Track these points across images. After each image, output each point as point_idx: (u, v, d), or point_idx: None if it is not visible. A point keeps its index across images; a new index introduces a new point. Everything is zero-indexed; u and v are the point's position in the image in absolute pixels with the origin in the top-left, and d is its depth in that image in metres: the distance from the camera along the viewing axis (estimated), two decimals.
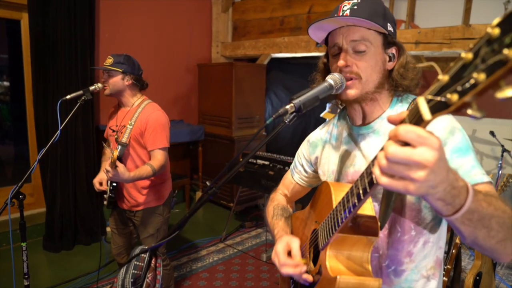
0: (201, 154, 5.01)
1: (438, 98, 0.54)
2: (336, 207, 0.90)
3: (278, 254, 1.05)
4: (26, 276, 1.84)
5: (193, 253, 3.70)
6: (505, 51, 0.45)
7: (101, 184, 2.35)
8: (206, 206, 5.06)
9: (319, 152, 1.25)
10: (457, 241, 2.93)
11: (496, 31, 0.46)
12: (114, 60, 2.31)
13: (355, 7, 1.00)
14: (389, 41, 1.04)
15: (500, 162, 4.06)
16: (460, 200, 0.67)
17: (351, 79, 1.03)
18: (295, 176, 1.36)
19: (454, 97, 0.52)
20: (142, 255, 1.16)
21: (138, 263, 1.15)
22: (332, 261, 0.91)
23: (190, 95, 5.27)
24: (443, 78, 0.54)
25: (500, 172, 4.00)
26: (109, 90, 2.33)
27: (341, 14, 1.01)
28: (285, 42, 4.65)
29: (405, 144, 0.58)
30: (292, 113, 1.03)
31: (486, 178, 0.91)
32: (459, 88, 0.51)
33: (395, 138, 0.59)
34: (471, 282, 2.68)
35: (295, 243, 1.06)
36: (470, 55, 0.50)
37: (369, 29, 1.00)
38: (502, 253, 0.79)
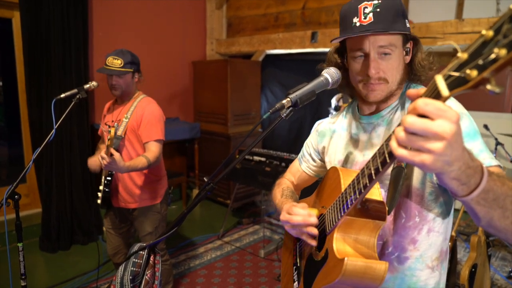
0: (197, 152, 5.01)
1: (457, 74, 0.55)
2: (345, 189, 0.90)
3: (288, 208, 1.06)
4: (23, 277, 1.83)
5: (191, 250, 3.71)
6: None
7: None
8: (203, 203, 5.06)
9: (326, 142, 1.26)
10: (453, 233, 2.95)
11: None
12: (123, 60, 2.29)
13: (378, 9, 0.97)
14: (407, 37, 1.06)
15: (494, 155, 4.08)
16: (475, 179, 0.66)
17: (378, 84, 1.03)
18: (303, 165, 1.37)
19: (474, 72, 0.52)
20: (141, 252, 1.16)
21: (136, 260, 1.15)
22: (339, 243, 0.92)
23: (186, 92, 5.25)
24: (462, 55, 0.55)
25: None
26: (121, 91, 2.33)
27: (363, 18, 0.98)
28: (279, 38, 4.64)
29: (424, 117, 0.58)
30: (288, 107, 1.03)
31: (495, 162, 0.92)
32: (479, 63, 0.52)
33: (414, 112, 0.58)
34: (467, 273, 2.70)
35: (302, 204, 1.07)
36: (491, 33, 0.51)
37: (394, 34, 1.00)
38: None
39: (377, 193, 0.93)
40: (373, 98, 1.04)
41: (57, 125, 2.00)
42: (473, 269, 2.75)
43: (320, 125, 1.32)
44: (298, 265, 1.23)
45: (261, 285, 3.14)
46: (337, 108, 4.59)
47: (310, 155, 1.34)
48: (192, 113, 5.31)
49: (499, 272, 3.43)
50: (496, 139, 4.04)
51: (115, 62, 2.28)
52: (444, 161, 0.59)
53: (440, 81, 0.58)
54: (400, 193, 0.98)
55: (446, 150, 0.58)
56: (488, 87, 0.52)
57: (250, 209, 4.71)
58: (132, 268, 1.14)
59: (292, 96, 1.03)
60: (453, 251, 3.00)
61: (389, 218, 1.04)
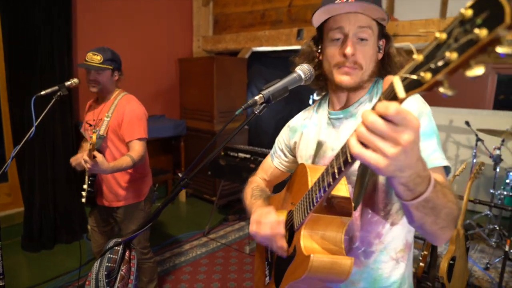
0: (184, 149, 5.00)
1: (412, 76, 0.56)
2: (312, 187, 0.91)
3: (256, 218, 1.07)
4: (1, 277, 1.81)
5: (176, 247, 3.71)
6: (476, 31, 0.46)
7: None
8: (189, 201, 5.07)
9: (298, 137, 1.27)
10: None
11: (469, 12, 0.48)
12: (103, 57, 2.27)
13: None
14: (382, 32, 1.07)
15: (474, 151, 4.17)
16: (421, 188, 0.69)
17: (353, 68, 1.03)
18: (275, 161, 1.38)
19: (428, 75, 0.53)
20: (116, 247, 1.17)
21: (112, 256, 1.16)
22: (306, 240, 0.93)
23: (172, 90, 5.23)
24: (418, 57, 0.55)
25: (474, 160, 4.11)
26: (99, 88, 2.31)
27: None
28: (266, 36, 4.65)
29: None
30: (261, 103, 1.05)
31: (445, 163, 0.95)
32: (432, 67, 0.53)
33: (376, 111, 0.59)
34: (446, 266, 2.76)
35: (272, 212, 1.07)
36: (444, 35, 0.52)
37: (373, 19, 1.01)
38: (440, 238, 0.85)
39: (344, 189, 0.94)
40: (347, 82, 1.03)
41: (37, 122, 1.99)
42: (451, 262, 2.81)
43: (292, 121, 1.33)
44: (270, 260, 1.24)
45: (246, 281, 3.17)
46: None
47: (282, 150, 1.35)
48: (178, 110, 5.30)
49: (477, 264, 3.51)
50: (476, 135, 4.13)
51: (95, 58, 2.26)
52: (397, 167, 0.61)
53: (397, 83, 0.59)
54: (366, 189, 1.00)
55: (400, 156, 0.59)
56: (441, 90, 0.53)
57: (236, 206, 4.72)
58: (107, 264, 1.15)
59: (264, 92, 1.04)
60: (433, 245, 3.06)
61: (356, 213, 1.06)
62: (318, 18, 1.06)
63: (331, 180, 0.78)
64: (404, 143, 0.58)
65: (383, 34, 1.07)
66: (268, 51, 5.07)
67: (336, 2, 0.99)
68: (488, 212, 4.17)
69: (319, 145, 1.16)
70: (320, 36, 1.11)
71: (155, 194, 2.57)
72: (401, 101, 0.58)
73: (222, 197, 4.53)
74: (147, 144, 2.39)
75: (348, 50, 0.99)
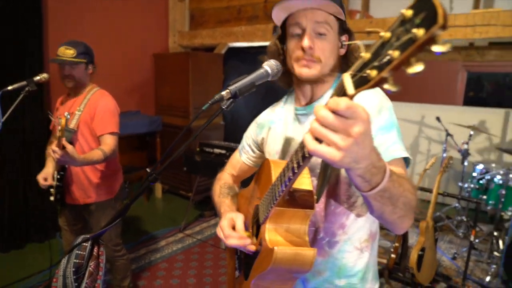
0: (159, 145, 4.96)
1: (360, 74, 0.58)
2: (274, 182, 0.93)
3: (223, 228, 1.09)
4: None
5: (152, 244, 3.69)
6: (414, 30, 0.49)
7: (46, 179, 2.27)
8: (165, 197, 5.04)
9: (265, 133, 1.29)
10: None
11: (410, 12, 0.51)
12: (76, 51, 2.22)
13: None
14: (343, 28, 1.09)
15: (444, 145, 4.30)
16: (377, 179, 0.72)
17: (312, 61, 1.05)
18: (243, 156, 1.39)
19: (373, 72, 0.56)
20: (84, 244, 1.16)
21: (79, 252, 1.15)
22: (271, 234, 0.95)
23: (147, 85, 5.17)
24: (366, 55, 0.58)
25: (444, 154, 4.25)
26: (75, 83, 2.26)
27: None
28: (242, 31, 4.65)
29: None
30: (228, 99, 1.06)
31: (404, 154, 0.99)
32: (377, 64, 0.55)
33: (328, 107, 0.61)
34: (415, 257, 2.85)
35: (239, 219, 1.10)
36: (388, 34, 0.54)
37: (330, 14, 1.03)
38: (399, 227, 0.89)
39: (307, 182, 0.96)
40: (305, 74, 1.06)
41: (4, 118, 1.94)
42: (421, 253, 2.91)
43: (259, 117, 1.34)
44: (239, 254, 1.26)
45: (222, 276, 3.18)
46: None
47: (249, 146, 1.36)
48: (153, 106, 5.24)
49: (446, 254, 3.64)
50: (446, 130, 4.26)
51: (67, 52, 2.21)
52: (351, 158, 0.63)
53: (347, 80, 0.61)
54: (328, 182, 1.03)
55: (353, 147, 0.61)
56: (386, 86, 0.55)
57: (212, 201, 4.72)
58: (75, 260, 1.14)
59: (231, 87, 1.05)
60: (404, 236, 3.15)
61: (320, 205, 1.09)
62: (277, 16, 1.09)
63: (291, 174, 0.80)
64: (355, 134, 0.60)
65: (344, 30, 1.09)
66: (245, 46, 5.08)
67: None
68: (457, 205, 4.33)
69: (286, 141, 1.19)
70: (284, 33, 1.13)
71: (126, 191, 2.54)
72: (350, 97, 0.60)
73: (198, 193, 4.52)
74: (121, 140, 2.36)
75: (305, 43, 1.02)
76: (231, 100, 1.06)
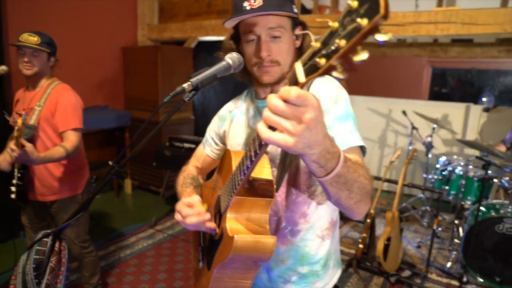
0: (128, 140, 4.87)
1: (310, 62, 0.60)
2: (234, 171, 0.95)
3: (180, 209, 1.06)
4: None
5: (122, 240, 3.63)
6: (359, 20, 0.51)
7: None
8: (135, 193, 4.97)
9: (227, 126, 1.29)
10: (372, 211, 3.20)
11: (355, 3, 0.53)
12: (41, 39, 2.14)
13: None
14: (296, 22, 1.11)
15: (410, 138, 4.44)
16: (332, 164, 0.74)
17: (272, 66, 1.07)
18: (206, 149, 1.39)
19: (322, 60, 0.57)
20: (45, 239, 1.13)
21: (40, 248, 1.12)
22: (232, 223, 0.96)
23: (115, 79, 5.06)
24: (315, 44, 0.60)
25: (410, 147, 4.39)
26: (34, 71, 2.17)
27: (253, 1, 1.02)
28: (212, 25, 4.61)
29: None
30: (190, 91, 1.06)
31: (360, 143, 1.02)
32: (326, 52, 0.57)
33: (280, 97, 0.63)
34: (382, 247, 2.95)
35: (194, 197, 1.08)
36: (336, 24, 0.56)
37: (283, 16, 1.05)
38: (356, 212, 0.91)
39: (267, 172, 0.98)
40: (267, 79, 1.08)
41: None
42: (387, 242, 3.01)
43: (221, 110, 1.35)
44: (202, 245, 1.27)
45: None
46: None
47: (212, 139, 1.37)
48: (122, 101, 5.13)
49: (411, 243, 3.78)
50: (412, 123, 4.40)
51: (31, 39, 2.13)
52: (305, 144, 0.65)
53: (299, 68, 0.63)
54: (287, 171, 1.05)
55: (305, 133, 0.63)
56: (334, 74, 0.57)
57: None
58: (35, 256, 1.12)
59: (193, 80, 1.05)
60: (371, 227, 3.25)
61: (282, 195, 1.11)
62: (229, 24, 1.10)
63: (249, 163, 0.82)
64: (307, 120, 0.62)
65: (297, 23, 1.11)
66: (215, 40, 5.05)
67: (244, 10, 1.02)
68: (421, 195, 4.49)
69: (248, 133, 1.20)
70: (237, 33, 1.13)
71: (93, 187, 2.49)
72: (301, 85, 0.62)
73: (168, 188, 4.48)
74: (89, 136, 2.30)
75: (263, 53, 1.04)
76: (193, 92, 1.06)
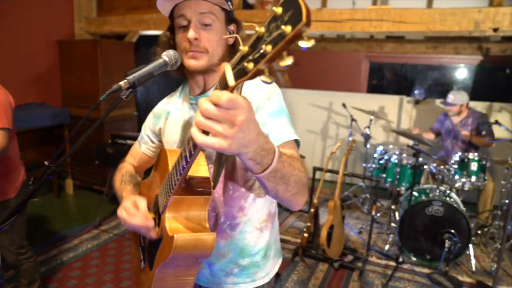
0: (68, 138, 4.65)
1: (239, 66, 0.62)
2: (171, 171, 0.95)
3: (127, 207, 1.04)
4: None
5: (64, 244, 3.48)
6: (283, 27, 0.53)
7: None
8: (77, 193, 4.77)
9: (162, 123, 1.28)
10: (315, 201, 3.34)
11: (279, 9, 0.55)
12: None
13: None
14: (230, 17, 1.12)
15: (350, 130, 4.67)
16: (267, 160, 0.77)
17: (199, 52, 1.07)
18: (142, 147, 1.37)
19: (251, 65, 0.59)
20: None
21: None
22: (171, 222, 0.97)
23: (51, 74, 4.78)
24: (244, 48, 0.61)
25: (350, 138, 4.62)
26: None
27: None
28: (153, 19, 4.52)
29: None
30: (127, 88, 1.06)
31: (294, 136, 1.07)
32: (253, 57, 0.58)
33: (210, 101, 0.64)
34: (325, 234, 3.10)
35: (142, 201, 1.07)
36: (263, 29, 0.58)
37: (215, 4, 1.06)
38: (295, 204, 0.96)
39: (204, 170, 0.99)
40: (194, 66, 1.08)
41: None
42: (330, 230, 3.16)
43: (156, 107, 1.34)
44: (142, 245, 1.26)
45: None
46: None
47: (148, 137, 1.35)
48: (60, 97, 4.87)
49: (353, 229, 4.00)
50: (351, 115, 4.63)
51: None
52: (239, 144, 0.67)
53: (228, 71, 0.64)
54: (223, 168, 1.08)
55: (238, 134, 0.65)
56: (262, 78, 0.60)
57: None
58: None
59: (129, 77, 1.04)
60: (315, 216, 3.39)
61: (219, 191, 1.14)
62: (163, 7, 1.10)
63: (184, 163, 0.83)
64: (239, 123, 0.64)
65: (232, 20, 1.13)
66: (157, 35, 4.94)
67: None
68: (362, 184, 4.75)
69: (184, 130, 1.20)
70: (173, 24, 1.14)
71: (31, 189, 2.36)
72: (231, 88, 0.64)
73: (112, 187, 4.35)
74: (25, 134, 2.16)
75: (190, 34, 1.04)
76: (130, 90, 1.06)
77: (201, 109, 0.64)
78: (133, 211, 1.03)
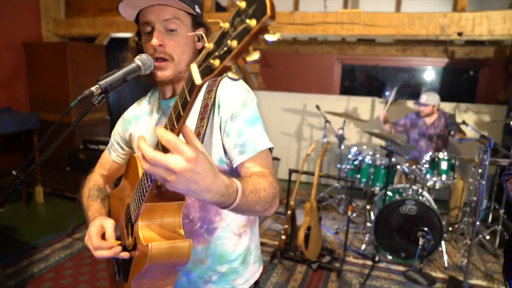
0: (37, 145, 4.49)
1: (205, 64, 0.60)
2: (141, 178, 0.92)
3: (92, 237, 1.02)
4: None
5: (35, 254, 3.35)
6: (248, 21, 0.53)
7: None
8: (48, 200, 4.61)
9: (132, 129, 1.25)
10: (292, 203, 3.36)
11: (243, 4, 0.54)
12: None
13: None
14: (197, 21, 1.11)
15: (324, 131, 4.73)
16: (230, 200, 0.79)
17: (164, 60, 1.06)
18: (112, 154, 1.33)
19: (217, 62, 0.58)
20: None
21: None
22: (144, 231, 0.93)
23: (17, 78, 4.61)
24: (209, 45, 0.60)
25: (324, 140, 4.67)
26: None
27: None
28: (125, 22, 4.43)
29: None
30: (99, 94, 1.03)
31: (269, 145, 1.07)
32: (219, 54, 0.57)
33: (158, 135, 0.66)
34: (303, 236, 3.12)
35: (109, 225, 1.05)
36: (227, 25, 0.57)
37: (180, 9, 1.04)
38: (268, 213, 0.99)
39: None
40: (161, 76, 1.07)
41: None
42: (307, 232, 3.19)
43: (126, 112, 1.30)
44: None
45: None
46: None
47: (118, 143, 1.31)
48: (27, 102, 4.70)
49: (330, 230, 4.05)
50: (325, 117, 4.69)
51: None
52: (187, 191, 0.69)
53: (194, 69, 0.62)
54: None
55: (181, 181, 0.66)
56: (230, 74, 0.59)
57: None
58: None
59: (101, 83, 1.01)
60: (292, 218, 3.41)
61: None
62: (127, 13, 1.08)
63: None
64: (179, 170, 0.65)
65: (199, 24, 1.12)
66: (128, 37, 4.85)
67: None
68: (337, 185, 4.82)
69: (154, 135, 1.17)
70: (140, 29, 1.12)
71: None
72: (199, 87, 0.63)
73: (80, 201, 4.24)
74: None
75: (153, 41, 1.03)
76: (103, 95, 1.04)
77: (146, 155, 0.66)
78: (97, 243, 1.01)
